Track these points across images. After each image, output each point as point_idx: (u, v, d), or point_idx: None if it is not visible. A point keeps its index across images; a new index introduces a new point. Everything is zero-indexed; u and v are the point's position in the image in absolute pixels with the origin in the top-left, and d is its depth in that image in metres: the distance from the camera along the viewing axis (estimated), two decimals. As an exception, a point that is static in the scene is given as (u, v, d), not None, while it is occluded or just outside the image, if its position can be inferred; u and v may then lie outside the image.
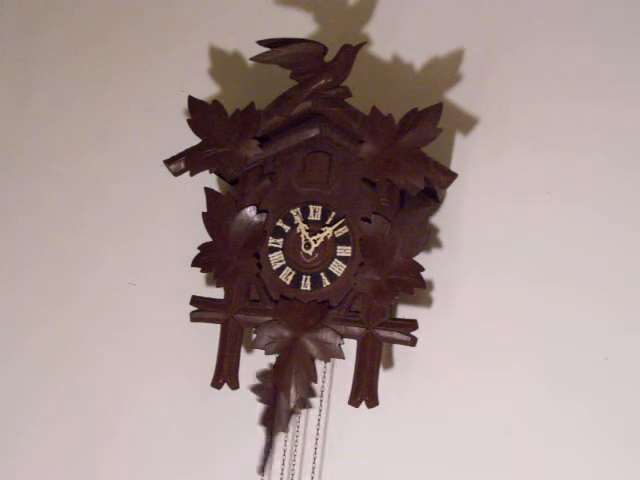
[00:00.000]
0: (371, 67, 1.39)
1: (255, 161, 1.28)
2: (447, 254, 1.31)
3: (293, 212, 1.28)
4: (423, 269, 1.21)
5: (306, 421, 1.30)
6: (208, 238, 1.28)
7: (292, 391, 1.22)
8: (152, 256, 1.43)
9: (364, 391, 1.21)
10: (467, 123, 1.35)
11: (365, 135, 1.23)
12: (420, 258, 1.22)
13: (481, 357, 1.28)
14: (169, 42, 1.50)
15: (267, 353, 1.24)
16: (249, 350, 1.33)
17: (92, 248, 1.45)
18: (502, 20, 1.37)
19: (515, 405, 1.26)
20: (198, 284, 1.35)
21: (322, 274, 1.26)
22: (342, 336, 1.23)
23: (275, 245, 1.28)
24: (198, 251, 1.28)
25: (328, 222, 1.27)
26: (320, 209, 1.27)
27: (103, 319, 1.42)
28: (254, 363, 1.31)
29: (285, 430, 1.23)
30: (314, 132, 1.28)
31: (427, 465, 1.27)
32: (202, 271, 1.28)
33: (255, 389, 1.24)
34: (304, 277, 1.26)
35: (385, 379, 1.25)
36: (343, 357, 1.23)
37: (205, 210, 1.29)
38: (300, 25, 1.43)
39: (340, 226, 1.26)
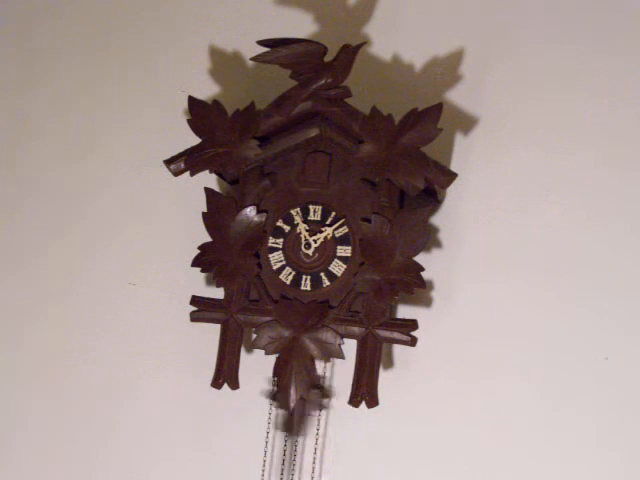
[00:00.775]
0: (371, 67, 1.39)
1: (255, 161, 1.28)
2: (447, 254, 1.31)
3: (293, 212, 1.28)
4: (423, 269, 1.21)
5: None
6: (208, 238, 1.28)
7: (292, 391, 1.22)
8: (152, 256, 1.43)
9: (364, 391, 1.21)
10: (467, 123, 1.35)
11: (365, 135, 1.23)
12: (420, 258, 1.22)
13: (481, 357, 1.28)
14: (169, 42, 1.50)
15: (267, 353, 1.24)
16: (249, 350, 1.33)
17: (92, 248, 1.45)
18: (502, 20, 1.37)
19: (515, 405, 1.26)
20: (198, 284, 1.36)
21: (322, 274, 1.26)
22: (342, 336, 1.23)
23: (275, 245, 1.28)
24: (198, 251, 1.28)
25: (328, 222, 1.27)
26: (320, 209, 1.27)
27: (103, 319, 1.43)
28: (254, 363, 1.31)
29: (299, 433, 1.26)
30: (314, 132, 1.28)
31: (427, 465, 1.28)
32: (202, 271, 1.28)
33: (274, 396, 1.26)
34: (304, 277, 1.26)
35: (385, 379, 1.25)
36: (343, 357, 1.23)
37: (205, 210, 1.29)
38: (300, 25, 1.43)
39: (340, 226, 1.26)
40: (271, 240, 1.28)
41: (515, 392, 1.26)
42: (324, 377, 1.30)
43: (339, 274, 1.25)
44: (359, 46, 1.27)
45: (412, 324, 1.22)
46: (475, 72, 1.36)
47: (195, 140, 1.29)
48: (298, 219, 1.27)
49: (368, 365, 1.21)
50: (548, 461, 1.24)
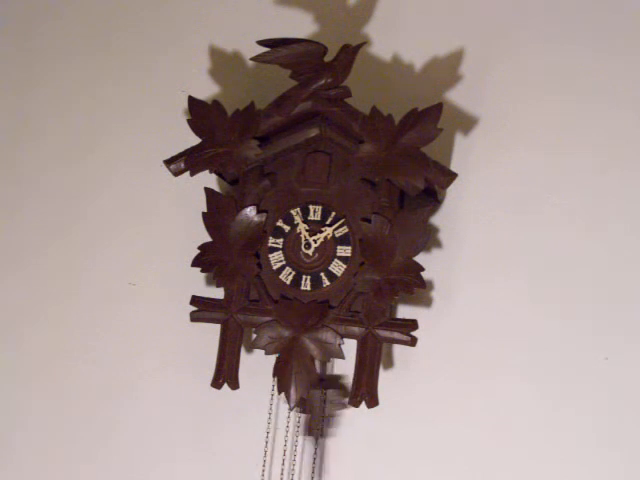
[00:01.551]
0: (371, 67, 1.39)
1: (255, 161, 1.28)
2: (447, 254, 1.31)
3: (293, 212, 1.28)
4: (423, 269, 1.21)
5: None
6: (208, 238, 1.28)
7: (292, 391, 1.22)
8: (152, 256, 1.43)
9: (364, 391, 1.21)
10: (467, 123, 1.35)
11: (365, 135, 1.23)
12: (420, 258, 1.22)
13: (481, 357, 1.28)
14: (169, 42, 1.50)
15: (267, 353, 1.24)
16: (249, 350, 1.33)
17: (92, 248, 1.46)
18: (502, 20, 1.37)
19: (515, 405, 1.26)
20: (198, 284, 1.36)
21: (322, 274, 1.26)
22: (342, 336, 1.23)
23: (275, 245, 1.28)
24: (198, 251, 1.28)
25: (328, 222, 1.27)
26: (320, 209, 1.27)
27: (103, 319, 1.43)
28: (254, 363, 1.31)
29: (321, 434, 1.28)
30: (314, 132, 1.28)
31: (427, 465, 1.28)
32: (202, 271, 1.28)
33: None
34: (304, 277, 1.26)
35: (385, 379, 1.25)
36: (343, 357, 1.23)
37: (205, 210, 1.29)
38: (300, 25, 1.43)
39: (340, 226, 1.26)
40: (271, 240, 1.28)
41: (515, 392, 1.26)
42: (341, 376, 1.31)
43: (339, 274, 1.25)
44: (359, 46, 1.26)
45: (412, 324, 1.22)
46: (475, 72, 1.36)
47: (195, 140, 1.29)
48: (298, 219, 1.27)
49: (368, 365, 1.21)
50: (548, 461, 1.24)
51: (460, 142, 1.34)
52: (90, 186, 1.48)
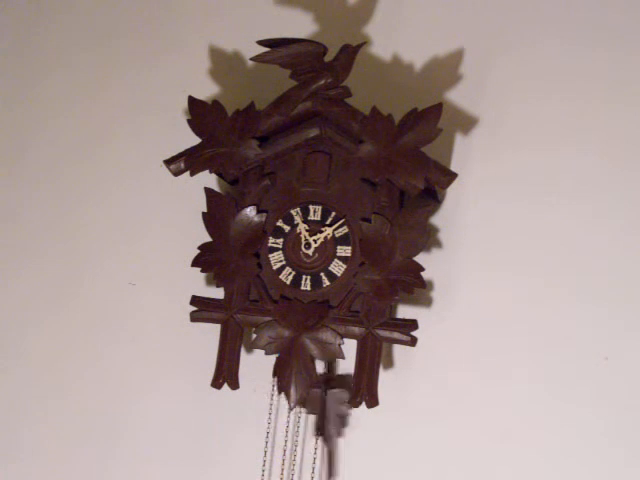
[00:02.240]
0: (371, 67, 1.39)
1: (255, 161, 1.28)
2: (447, 254, 1.31)
3: (293, 212, 1.28)
4: (423, 269, 1.21)
5: (306, 421, 1.30)
6: (208, 238, 1.28)
7: (292, 391, 1.22)
8: (152, 256, 1.43)
9: (364, 391, 1.21)
10: (467, 123, 1.35)
11: (365, 135, 1.23)
12: (420, 258, 1.22)
13: (481, 357, 1.28)
14: (169, 42, 1.50)
15: (267, 353, 1.24)
16: (249, 350, 1.33)
17: (92, 248, 1.45)
18: (502, 20, 1.37)
19: (515, 405, 1.26)
20: (198, 284, 1.35)
21: (322, 274, 1.26)
22: (342, 336, 1.22)
23: (275, 245, 1.28)
24: (198, 251, 1.28)
25: (328, 222, 1.27)
26: (320, 209, 1.27)
27: (103, 319, 1.43)
28: (254, 363, 1.31)
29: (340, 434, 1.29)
30: (314, 132, 1.28)
31: (427, 464, 1.28)
32: (202, 271, 1.28)
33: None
34: (304, 277, 1.26)
35: (385, 379, 1.25)
36: (343, 357, 1.23)
37: (205, 210, 1.29)
38: (300, 25, 1.43)
39: (340, 226, 1.26)
40: (271, 240, 1.28)
41: (515, 392, 1.26)
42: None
43: (339, 274, 1.25)
44: (359, 46, 1.27)
45: (412, 324, 1.22)
46: (475, 72, 1.36)
47: (195, 140, 1.29)
48: (298, 219, 1.27)
49: (368, 365, 1.21)
50: (548, 461, 1.24)
51: (460, 142, 1.34)
52: (90, 186, 1.48)
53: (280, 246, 1.28)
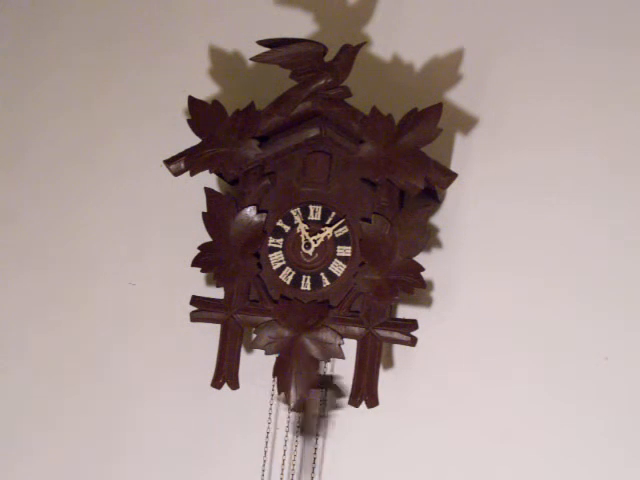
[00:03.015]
0: (371, 67, 1.39)
1: (255, 161, 1.28)
2: (447, 254, 1.31)
3: (293, 212, 1.28)
4: (423, 269, 1.21)
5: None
6: (208, 238, 1.28)
7: (292, 391, 1.22)
8: (152, 256, 1.43)
9: (364, 391, 1.21)
10: (467, 123, 1.35)
11: (365, 135, 1.23)
12: (420, 258, 1.22)
13: (481, 357, 1.28)
14: (169, 42, 1.50)
15: (267, 353, 1.24)
16: (249, 350, 1.33)
17: (92, 248, 1.45)
18: (502, 20, 1.37)
19: (515, 405, 1.26)
20: (198, 284, 1.35)
21: (322, 274, 1.26)
22: (342, 336, 1.23)
23: (275, 245, 1.28)
24: (198, 251, 1.28)
25: (328, 222, 1.27)
26: (320, 209, 1.27)
27: (103, 319, 1.43)
28: (254, 363, 1.31)
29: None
30: (314, 132, 1.28)
31: (427, 464, 1.27)
32: (202, 271, 1.28)
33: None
34: (304, 277, 1.26)
35: (385, 379, 1.25)
36: (343, 357, 1.23)
37: (205, 210, 1.29)
38: (300, 25, 1.43)
39: (340, 226, 1.26)
40: (271, 240, 1.28)
41: (515, 392, 1.26)
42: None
43: (339, 274, 1.25)
44: (359, 46, 1.27)
45: (412, 324, 1.22)
46: (475, 72, 1.36)
47: (195, 140, 1.29)
48: (298, 219, 1.27)
49: (368, 365, 1.21)
50: (548, 461, 1.24)
51: (460, 142, 1.34)
52: (90, 186, 1.48)
53: (280, 246, 1.28)
